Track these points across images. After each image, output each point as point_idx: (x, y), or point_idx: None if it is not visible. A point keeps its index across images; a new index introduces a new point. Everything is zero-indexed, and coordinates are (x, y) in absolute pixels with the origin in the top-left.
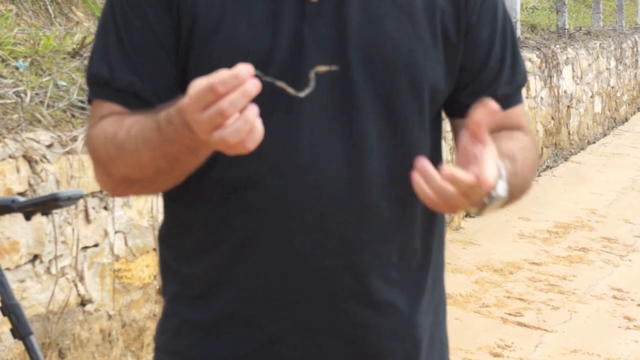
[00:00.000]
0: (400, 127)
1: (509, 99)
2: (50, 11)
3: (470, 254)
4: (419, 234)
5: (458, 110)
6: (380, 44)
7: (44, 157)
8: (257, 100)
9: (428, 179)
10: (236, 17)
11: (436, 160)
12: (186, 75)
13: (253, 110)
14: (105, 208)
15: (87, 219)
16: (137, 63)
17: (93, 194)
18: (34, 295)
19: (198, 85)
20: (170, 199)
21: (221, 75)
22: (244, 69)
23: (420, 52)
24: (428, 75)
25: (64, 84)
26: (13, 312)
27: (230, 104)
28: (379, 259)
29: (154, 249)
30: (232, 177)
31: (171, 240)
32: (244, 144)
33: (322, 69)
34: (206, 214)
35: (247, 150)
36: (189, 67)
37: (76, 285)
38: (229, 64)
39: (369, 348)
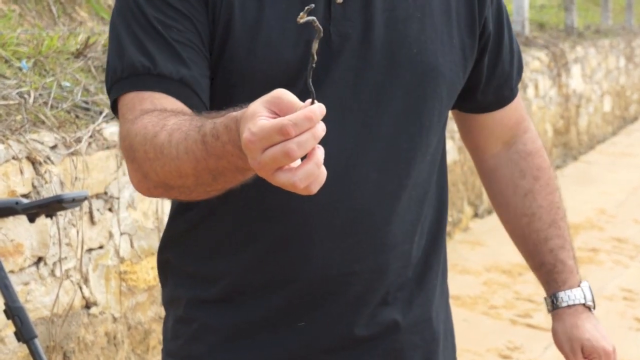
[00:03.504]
0: (425, 129)
1: (516, 89)
2: (54, 11)
3: (478, 255)
4: (432, 232)
5: (473, 106)
6: (404, 46)
7: (48, 158)
8: None
9: None
10: (270, 23)
11: (443, 160)
12: (216, 75)
13: (322, 153)
14: (110, 210)
15: (92, 221)
16: (180, 51)
17: (97, 196)
18: (38, 298)
19: (263, 123)
20: (187, 203)
21: (295, 117)
22: (318, 110)
23: (442, 54)
24: (447, 77)
25: (68, 84)
26: (17, 315)
27: (299, 145)
28: (402, 260)
29: None
30: (261, 180)
31: (187, 242)
32: (309, 187)
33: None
34: (232, 217)
35: (311, 193)
36: (221, 68)
37: (81, 288)
38: (263, 70)
39: (393, 344)
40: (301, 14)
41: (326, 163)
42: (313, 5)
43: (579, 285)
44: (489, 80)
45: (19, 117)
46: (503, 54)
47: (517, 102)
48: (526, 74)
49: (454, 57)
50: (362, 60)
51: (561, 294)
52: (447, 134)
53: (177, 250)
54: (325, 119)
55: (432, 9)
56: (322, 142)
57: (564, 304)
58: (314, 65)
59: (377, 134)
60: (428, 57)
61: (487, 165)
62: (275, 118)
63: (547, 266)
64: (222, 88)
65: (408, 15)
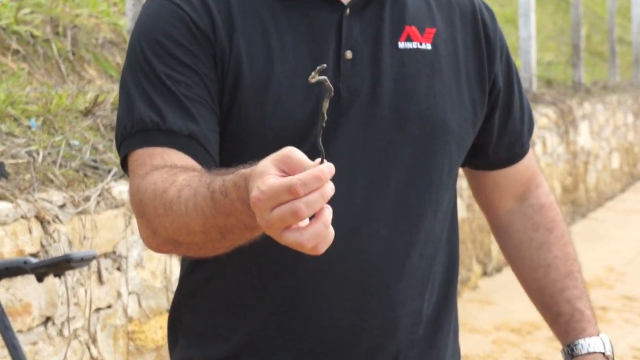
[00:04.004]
0: (435, 185)
1: (528, 145)
2: (63, 69)
3: (487, 314)
4: (442, 289)
5: (485, 163)
6: (413, 101)
7: (57, 217)
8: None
9: None
10: (280, 79)
11: (454, 216)
12: (225, 130)
13: (330, 213)
14: (119, 269)
15: (100, 280)
16: (189, 106)
17: (106, 255)
18: (46, 358)
19: (272, 182)
20: (198, 260)
21: (304, 177)
22: (327, 170)
23: (451, 110)
24: (457, 133)
25: (77, 143)
26: None
27: (307, 205)
28: (412, 317)
29: (168, 310)
30: (270, 237)
31: (198, 301)
32: (316, 247)
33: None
34: (242, 274)
35: (318, 254)
36: (230, 123)
37: (89, 348)
38: (273, 126)
39: None
40: (312, 73)
41: (335, 219)
42: (325, 65)
43: (598, 335)
44: (500, 137)
45: (27, 176)
46: (514, 110)
47: (529, 158)
48: (534, 131)
49: (463, 113)
50: (371, 116)
51: (581, 341)
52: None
53: (188, 309)
54: (334, 175)
55: (441, 65)
56: (331, 197)
57: (584, 351)
58: (324, 124)
59: (387, 190)
60: (437, 113)
61: (500, 222)
62: (284, 177)
63: (565, 316)
64: (231, 143)
65: (417, 71)
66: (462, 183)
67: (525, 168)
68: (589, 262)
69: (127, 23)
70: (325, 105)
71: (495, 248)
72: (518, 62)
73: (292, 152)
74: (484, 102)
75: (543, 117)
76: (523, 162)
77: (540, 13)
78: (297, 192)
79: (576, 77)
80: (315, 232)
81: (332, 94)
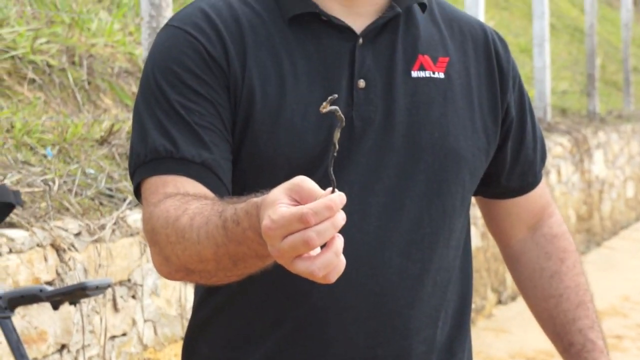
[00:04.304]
0: (448, 213)
1: (541, 174)
2: (79, 98)
3: (502, 342)
4: (456, 317)
5: (498, 192)
6: (426, 130)
7: (72, 245)
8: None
9: None
10: (292, 106)
11: (467, 244)
12: (238, 157)
13: (341, 242)
14: (134, 297)
15: (115, 308)
16: (202, 134)
17: (121, 283)
18: None
19: (284, 211)
20: (211, 288)
21: (315, 206)
22: (338, 199)
23: (464, 138)
24: (470, 161)
25: (92, 171)
26: None
27: (318, 234)
28: (425, 345)
29: (182, 338)
30: (282, 267)
31: (213, 328)
32: (328, 276)
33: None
34: (255, 301)
35: (329, 282)
36: (243, 151)
37: None
38: (285, 154)
39: None
40: (324, 103)
41: (348, 247)
42: (336, 95)
43: None
44: (513, 166)
45: (43, 205)
46: (526, 140)
47: (542, 187)
48: (548, 160)
49: (476, 142)
50: (384, 144)
51: None
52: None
53: (202, 337)
54: (347, 203)
55: (454, 93)
56: (345, 225)
57: None
58: (335, 154)
59: (400, 218)
60: (450, 141)
61: (512, 251)
62: (295, 205)
63: (577, 346)
64: (244, 171)
65: (430, 100)
66: (477, 212)
67: (538, 197)
68: (603, 291)
69: (142, 52)
70: (337, 135)
71: (510, 276)
72: (533, 91)
73: (304, 181)
74: (496, 131)
75: (558, 146)
76: (536, 191)
77: (554, 43)
78: (308, 221)
79: (591, 107)
80: (327, 261)
81: (344, 124)
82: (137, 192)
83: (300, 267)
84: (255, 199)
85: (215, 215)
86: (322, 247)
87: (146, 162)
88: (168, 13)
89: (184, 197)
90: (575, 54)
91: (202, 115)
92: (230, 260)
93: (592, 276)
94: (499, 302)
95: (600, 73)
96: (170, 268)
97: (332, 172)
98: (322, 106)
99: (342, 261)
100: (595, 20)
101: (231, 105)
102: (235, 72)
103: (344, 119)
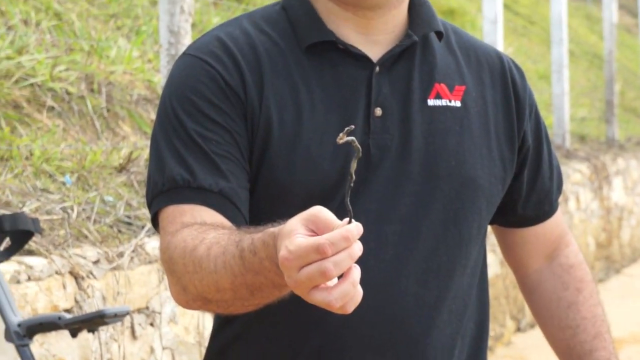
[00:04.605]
0: (464, 242)
1: (557, 203)
2: (97, 126)
3: None
4: (472, 346)
5: (514, 220)
6: (443, 158)
7: (90, 273)
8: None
9: None
10: (309, 135)
11: (484, 272)
12: (256, 186)
13: (358, 273)
14: (152, 324)
15: (134, 336)
16: (219, 163)
17: (139, 310)
18: None
19: (300, 241)
20: (228, 317)
21: (331, 236)
22: (355, 230)
23: (480, 167)
24: (486, 190)
25: (111, 199)
26: None
27: (335, 265)
28: None
29: None
30: (299, 297)
31: (229, 357)
32: (345, 307)
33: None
34: (272, 329)
35: (346, 313)
36: (260, 179)
37: None
38: (302, 182)
39: None
40: (340, 134)
41: (365, 275)
42: (353, 126)
43: None
44: (529, 194)
45: (62, 232)
46: (543, 168)
47: (558, 216)
48: (567, 187)
49: (493, 170)
50: (401, 172)
51: None
52: (489, 247)
53: None
54: (364, 231)
55: (470, 122)
56: (362, 253)
57: None
58: (352, 184)
59: (416, 246)
60: (467, 170)
61: (529, 281)
62: (312, 235)
63: None
64: (261, 199)
65: (446, 128)
66: (495, 239)
67: (554, 226)
68: (623, 318)
69: (161, 80)
70: (354, 165)
71: None
72: (551, 118)
73: (320, 212)
74: (513, 159)
75: (577, 172)
76: (552, 220)
77: (573, 69)
78: (325, 251)
79: (610, 133)
80: (344, 291)
81: (360, 154)
82: (155, 221)
83: (318, 298)
84: (272, 229)
85: (233, 245)
86: (339, 277)
87: (163, 192)
88: (187, 40)
89: (201, 227)
90: (594, 81)
91: (220, 143)
92: (247, 290)
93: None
94: (518, 329)
95: (619, 99)
96: (187, 297)
97: (348, 203)
98: (338, 137)
99: (359, 291)
100: (614, 47)
101: (248, 133)
102: (253, 101)
103: (361, 149)
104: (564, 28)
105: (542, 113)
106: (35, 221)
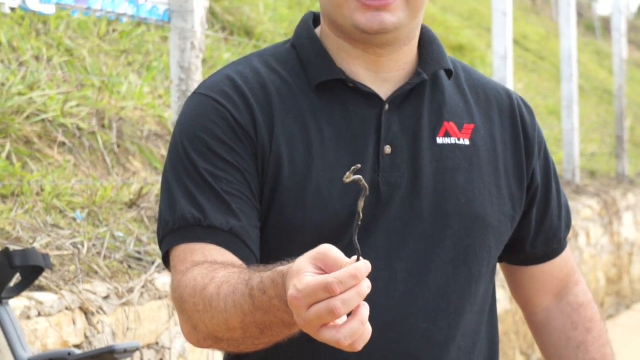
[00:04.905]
0: (474, 279)
1: (565, 241)
2: (108, 162)
3: None
4: None
5: (522, 259)
6: (453, 196)
7: (101, 308)
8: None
9: None
10: (319, 173)
11: (493, 309)
12: (266, 224)
13: (367, 311)
14: None
15: None
16: (230, 202)
17: (149, 346)
18: None
19: (309, 280)
20: (239, 355)
21: (340, 275)
22: (363, 268)
23: (490, 205)
24: (496, 228)
25: (121, 235)
26: None
27: (343, 303)
28: None
29: None
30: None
31: None
32: (354, 345)
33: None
34: None
35: (355, 351)
36: (271, 217)
37: None
38: (313, 220)
39: None
40: (347, 173)
41: (375, 312)
42: (359, 165)
43: None
44: (538, 232)
45: (72, 268)
46: (551, 207)
47: (567, 254)
48: (577, 223)
49: (502, 208)
50: (411, 210)
51: None
52: (498, 283)
53: None
54: (374, 269)
55: (480, 160)
56: (372, 291)
57: None
58: (359, 222)
59: (426, 284)
60: (476, 208)
61: (538, 319)
62: (321, 274)
63: None
64: (272, 237)
65: (456, 166)
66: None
67: (563, 264)
68: (634, 355)
69: (172, 116)
70: (361, 204)
71: None
72: (561, 153)
73: (329, 250)
74: (522, 197)
75: (587, 208)
76: (561, 258)
77: (583, 105)
78: (333, 290)
79: (620, 169)
80: (352, 330)
81: (368, 193)
82: (166, 260)
83: (327, 336)
84: (281, 268)
85: (242, 284)
86: (348, 315)
87: (174, 230)
88: (197, 77)
89: (212, 266)
90: (604, 116)
91: (230, 182)
92: (257, 329)
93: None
94: None
95: (629, 135)
96: (198, 336)
97: (356, 241)
98: (345, 176)
99: (368, 329)
100: (624, 82)
101: (259, 172)
102: (263, 140)
103: (368, 188)
104: (573, 64)
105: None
106: (46, 257)
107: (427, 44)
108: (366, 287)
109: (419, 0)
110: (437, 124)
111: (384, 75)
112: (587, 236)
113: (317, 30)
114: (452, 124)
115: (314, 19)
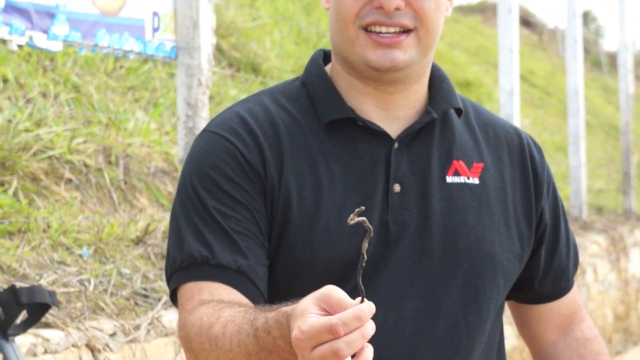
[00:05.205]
0: (483, 317)
1: (573, 279)
2: (115, 198)
3: None
4: None
5: (530, 297)
6: (462, 235)
7: (107, 345)
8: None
9: None
10: (329, 212)
11: (501, 347)
12: (275, 262)
13: (370, 352)
14: None
15: None
16: (238, 240)
17: None
18: None
19: (313, 321)
20: None
21: (344, 316)
22: (367, 309)
23: (499, 243)
24: (505, 266)
25: (128, 271)
26: None
27: (347, 344)
28: None
29: None
30: None
31: None
32: None
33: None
34: None
35: None
36: (279, 255)
37: None
38: (321, 258)
39: None
40: (351, 215)
41: (385, 351)
42: (363, 207)
43: None
44: (546, 271)
45: (79, 305)
46: (560, 245)
47: (574, 292)
48: (585, 259)
49: (511, 247)
50: (420, 249)
51: None
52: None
53: None
54: (383, 308)
55: (489, 198)
56: (380, 329)
57: None
58: (363, 264)
59: (436, 323)
60: (486, 246)
61: (545, 355)
62: (325, 315)
63: None
64: (280, 275)
65: (465, 205)
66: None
67: (570, 302)
68: None
69: (178, 152)
70: (365, 245)
71: None
72: (568, 189)
73: (333, 291)
74: (531, 236)
75: (594, 244)
76: (568, 296)
77: (590, 141)
78: (337, 331)
79: (627, 205)
80: None
81: (372, 234)
82: (174, 297)
83: None
84: (285, 308)
85: (247, 324)
86: (352, 356)
87: (182, 268)
88: (204, 113)
89: (218, 304)
90: (611, 152)
91: (239, 221)
92: None
93: None
94: None
95: (636, 171)
96: None
97: (361, 282)
98: (349, 218)
99: None
100: (630, 118)
101: (268, 210)
102: (272, 178)
103: (372, 229)
104: (580, 100)
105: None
106: (52, 294)
107: (437, 82)
108: (370, 328)
109: (430, 39)
110: (447, 162)
111: (394, 113)
112: (594, 272)
113: (327, 68)
114: (461, 162)
115: (324, 57)
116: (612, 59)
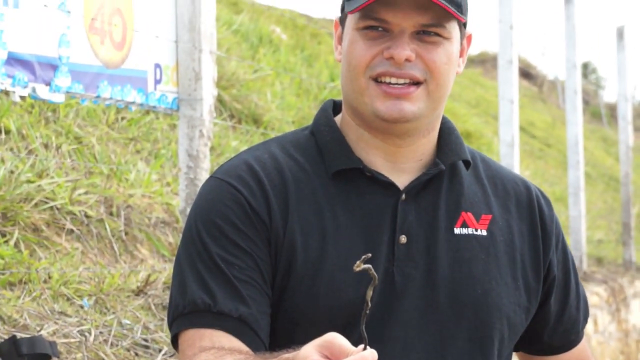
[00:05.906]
0: None
1: (583, 332)
2: (115, 249)
3: None
4: None
5: (540, 348)
6: (469, 286)
7: None
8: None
9: None
10: (333, 260)
11: None
12: (278, 310)
13: None
14: None
15: None
16: (241, 288)
17: None
18: None
19: None
20: None
21: None
22: (369, 357)
23: (506, 295)
24: (511, 319)
25: (128, 322)
26: None
27: None
28: None
29: None
30: None
31: None
32: None
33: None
34: None
35: None
36: (283, 304)
37: None
38: (326, 306)
39: None
40: (357, 262)
41: None
42: (369, 254)
43: None
44: (557, 324)
45: (79, 355)
46: (570, 298)
47: (584, 344)
48: None
49: (518, 299)
50: (427, 300)
51: None
52: None
53: None
54: (389, 357)
55: (496, 250)
56: None
57: None
58: (367, 311)
59: None
60: (493, 298)
61: None
62: None
63: None
64: (283, 323)
65: (472, 256)
66: None
67: (579, 353)
68: None
69: (179, 203)
70: (369, 293)
71: None
72: (568, 240)
73: (335, 338)
74: (538, 289)
75: (594, 295)
76: (578, 348)
77: (590, 192)
78: None
79: (627, 256)
80: None
81: (377, 282)
82: (175, 342)
83: None
84: (286, 355)
85: None
86: None
87: (184, 314)
88: (205, 164)
89: (219, 352)
90: (611, 203)
91: (242, 268)
92: None
93: None
94: None
95: (636, 222)
96: None
97: (364, 330)
98: (355, 265)
99: None
100: (630, 169)
101: (272, 258)
102: (277, 226)
103: (377, 277)
104: (580, 151)
105: None
106: (53, 344)
107: (446, 134)
108: None
109: (439, 92)
110: (455, 214)
111: (402, 165)
112: (594, 323)
113: (337, 118)
114: (469, 214)
115: (334, 107)
116: (612, 110)
